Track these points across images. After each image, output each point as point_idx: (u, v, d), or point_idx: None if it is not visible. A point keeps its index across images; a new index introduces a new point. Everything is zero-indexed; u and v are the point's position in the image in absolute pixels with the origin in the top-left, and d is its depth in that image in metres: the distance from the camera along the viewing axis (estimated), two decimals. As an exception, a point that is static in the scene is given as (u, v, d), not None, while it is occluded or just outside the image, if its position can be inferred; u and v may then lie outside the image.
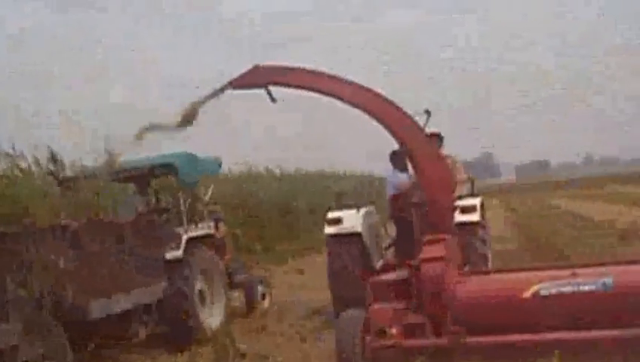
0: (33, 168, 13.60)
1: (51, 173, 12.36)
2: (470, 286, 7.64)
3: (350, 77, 8.29)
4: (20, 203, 11.74)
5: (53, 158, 12.66)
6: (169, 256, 9.75)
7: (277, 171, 26.46)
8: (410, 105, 8.30)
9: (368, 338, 7.32)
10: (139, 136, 8.70)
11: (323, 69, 8.35)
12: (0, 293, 6.70)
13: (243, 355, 8.79)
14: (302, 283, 15.03)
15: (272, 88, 8.42)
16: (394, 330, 7.36)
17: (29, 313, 6.98)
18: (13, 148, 12.85)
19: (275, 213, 22.66)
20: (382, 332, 7.36)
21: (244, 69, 8.38)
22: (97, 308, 7.92)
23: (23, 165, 13.39)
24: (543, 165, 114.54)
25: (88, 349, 8.30)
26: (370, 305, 7.78)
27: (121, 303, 8.47)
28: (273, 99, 8.31)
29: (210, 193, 11.80)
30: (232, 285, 11.56)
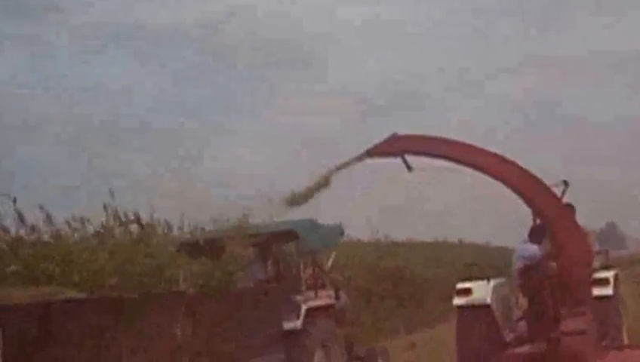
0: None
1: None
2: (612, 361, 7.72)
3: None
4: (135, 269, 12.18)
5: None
6: (287, 326, 9.92)
7: (388, 240, 26.55)
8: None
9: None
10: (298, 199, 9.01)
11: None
12: (114, 360, 6.79)
13: None
14: (414, 360, 14.92)
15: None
16: None
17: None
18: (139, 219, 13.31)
19: (386, 283, 22.76)
20: None
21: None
22: None
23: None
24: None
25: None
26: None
27: None
28: (409, 168, 8.61)
29: (331, 261, 12.12)
30: (351, 357, 11.73)
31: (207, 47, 65.24)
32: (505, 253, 25.72)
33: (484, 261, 29.18)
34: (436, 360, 14.51)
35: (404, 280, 23.91)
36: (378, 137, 8.94)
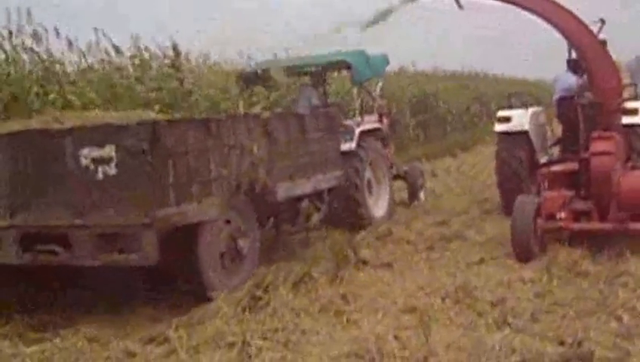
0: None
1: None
2: (634, 178, 9.37)
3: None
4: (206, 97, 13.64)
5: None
6: (344, 147, 11.40)
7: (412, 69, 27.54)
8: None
9: (540, 221, 9.30)
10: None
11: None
12: (205, 172, 7.96)
13: (365, 262, 9.42)
14: (434, 187, 15.98)
15: None
16: (563, 215, 9.35)
17: (228, 191, 8.32)
18: None
19: (410, 112, 24.03)
20: (552, 216, 9.35)
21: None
22: (283, 191, 9.45)
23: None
24: None
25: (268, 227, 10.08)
26: (540, 192, 9.80)
27: (302, 187, 10.02)
28: (460, 6, 9.93)
29: (379, 88, 13.76)
30: (393, 176, 13.48)
31: None
32: (541, 85, 26.52)
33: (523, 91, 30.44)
34: (454, 188, 16.13)
35: (429, 109, 25.33)
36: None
